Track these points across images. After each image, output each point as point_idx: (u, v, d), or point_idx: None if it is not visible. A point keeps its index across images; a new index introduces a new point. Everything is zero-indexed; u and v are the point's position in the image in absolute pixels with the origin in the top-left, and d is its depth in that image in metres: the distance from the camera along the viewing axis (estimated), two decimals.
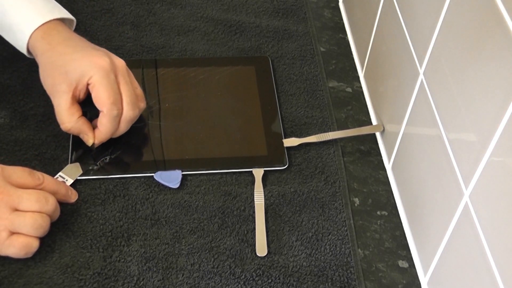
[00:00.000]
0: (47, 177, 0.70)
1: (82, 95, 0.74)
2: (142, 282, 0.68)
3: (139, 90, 0.77)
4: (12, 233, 0.66)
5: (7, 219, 0.65)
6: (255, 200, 0.75)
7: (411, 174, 0.73)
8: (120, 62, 0.75)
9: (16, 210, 0.66)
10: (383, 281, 0.71)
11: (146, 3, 0.98)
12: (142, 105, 0.77)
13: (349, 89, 0.90)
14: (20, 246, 0.66)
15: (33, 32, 0.75)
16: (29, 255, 0.68)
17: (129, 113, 0.74)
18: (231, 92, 0.86)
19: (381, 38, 0.82)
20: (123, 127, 0.76)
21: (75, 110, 0.74)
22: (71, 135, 0.79)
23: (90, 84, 0.73)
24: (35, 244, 0.67)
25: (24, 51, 0.77)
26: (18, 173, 0.68)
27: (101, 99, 0.72)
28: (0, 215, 0.65)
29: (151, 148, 0.79)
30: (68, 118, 0.74)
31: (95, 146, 0.76)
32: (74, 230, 0.72)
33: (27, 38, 0.75)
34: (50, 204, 0.68)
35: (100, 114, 0.74)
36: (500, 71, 0.52)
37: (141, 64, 0.88)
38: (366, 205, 0.78)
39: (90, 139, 0.75)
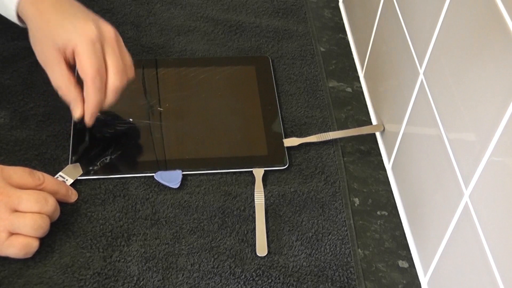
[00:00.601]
0: (47, 177, 0.70)
1: (72, 61, 0.74)
2: (142, 282, 0.68)
3: (127, 59, 0.76)
4: (12, 233, 0.66)
5: (7, 220, 0.65)
6: (255, 200, 0.75)
7: (411, 174, 0.73)
8: (108, 31, 0.74)
9: (16, 211, 0.66)
10: (383, 281, 0.71)
11: (146, 3, 0.98)
12: (131, 74, 0.76)
13: (349, 89, 0.90)
14: (20, 247, 0.66)
15: None
16: (29, 255, 0.68)
17: (115, 83, 0.73)
18: (231, 92, 0.86)
19: (381, 38, 0.82)
20: (110, 97, 0.74)
21: (71, 76, 0.74)
22: (71, 135, 0.79)
23: (75, 52, 0.72)
24: (34, 244, 0.67)
25: (15, 20, 0.76)
26: (18, 173, 0.68)
27: (84, 68, 0.71)
28: (0, 216, 0.65)
29: (151, 148, 0.79)
30: (65, 83, 0.73)
31: (88, 123, 0.75)
32: (74, 230, 0.72)
33: (15, 5, 0.74)
34: (50, 205, 0.68)
35: (85, 85, 0.72)
36: (500, 71, 0.52)
37: (141, 64, 0.88)
38: (366, 205, 0.78)
39: (78, 110, 0.74)
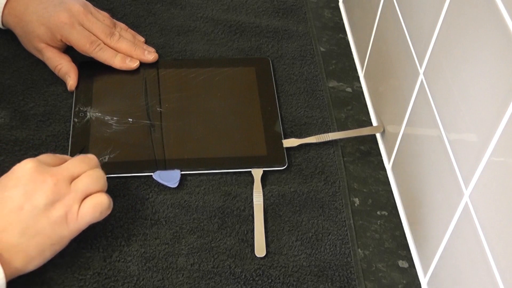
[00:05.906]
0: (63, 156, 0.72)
1: (62, 46, 0.85)
2: (142, 282, 0.68)
3: (107, 20, 0.87)
4: (82, 201, 0.66)
5: (71, 192, 0.66)
6: (254, 201, 0.75)
7: (411, 174, 0.73)
8: (77, 9, 0.83)
9: (72, 180, 0.67)
10: (383, 281, 0.71)
11: (146, 3, 0.98)
12: (118, 28, 0.87)
13: (349, 89, 0.90)
14: (91, 208, 0.66)
15: (2, 12, 0.85)
16: (106, 213, 0.68)
17: (111, 42, 0.85)
18: (231, 93, 0.86)
19: (381, 38, 0.82)
20: (122, 47, 0.86)
21: (63, 55, 0.85)
22: (70, 136, 0.79)
23: (64, 40, 0.83)
24: (103, 199, 0.67)
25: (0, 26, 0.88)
26: (47, 158, 0.69)
27: (79, 47, 0.84)
28: (64, 192, 0.65)
29: (150, 148, 0.79)
30: (60, 60, 0.84)
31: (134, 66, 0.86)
32: None
33: None
34: (91, 159, 0.69)
35: (91, 55, 0.84)
36: (500, 71, 0.52)
37: (141, 64, 0.88)
38: (366, 205, 0.78)
39: (72, 81, 0.84)
